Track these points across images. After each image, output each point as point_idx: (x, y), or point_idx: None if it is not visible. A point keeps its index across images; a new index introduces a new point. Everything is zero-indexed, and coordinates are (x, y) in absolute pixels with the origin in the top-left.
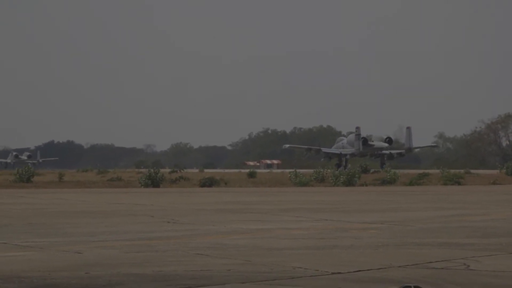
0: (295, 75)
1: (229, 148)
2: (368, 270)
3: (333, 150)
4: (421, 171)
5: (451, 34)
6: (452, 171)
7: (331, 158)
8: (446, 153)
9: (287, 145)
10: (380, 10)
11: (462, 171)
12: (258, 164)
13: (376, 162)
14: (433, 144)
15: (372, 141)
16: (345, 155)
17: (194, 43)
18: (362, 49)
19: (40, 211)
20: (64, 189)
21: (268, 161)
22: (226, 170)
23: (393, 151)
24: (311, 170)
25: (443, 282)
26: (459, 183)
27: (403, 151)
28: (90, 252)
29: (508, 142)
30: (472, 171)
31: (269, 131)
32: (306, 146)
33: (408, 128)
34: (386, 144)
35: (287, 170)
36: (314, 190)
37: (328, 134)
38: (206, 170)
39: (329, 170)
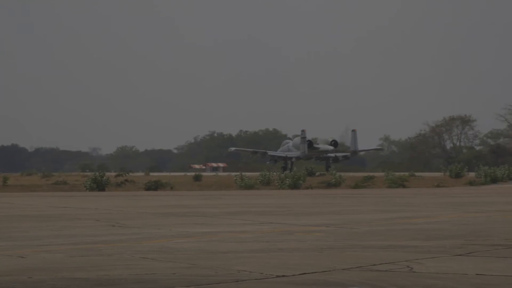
0: (240, 78)
1: (175, 151)
2: (312, 273)
3: (278, 153)
4: (366, 174)
5: (395, 36)
6: (397, 174)
7: (276, 161)
8: (391, 156)
9: (233, 148)
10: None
11: (406, 173)
12: (204, 167)
13: (322, 165)
14: (378, 147)
15: (318, 144)
16: (291, 158)
17: (140, 45)
18: (306, 52)
19: None
20: (8, 193)
21: (214, 165)
22: (172, 174)
23: (338, 154)
24: (257, 173)
25: (387, 285)
26: (403, 186)
27: (348, 154)
28: (34, 256)
29: (452, 145)
30: (416, 173)
31: (215, 134)
32: (251, 149)
33: (354, 131)
34: (332, 147)
35: (233, 173)
36: (259, 193)
37: (274, 137)
38: (152, 174)
39: (274, 173)
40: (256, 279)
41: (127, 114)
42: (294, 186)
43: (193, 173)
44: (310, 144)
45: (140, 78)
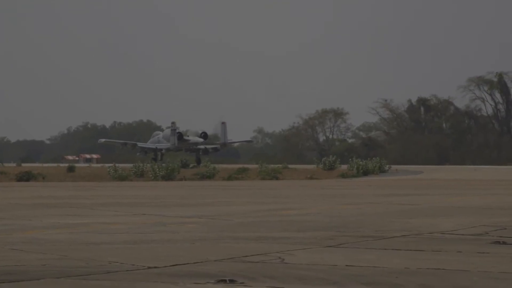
0: (116, 68)
1: (48, 142)
2: (184, 264)
3: (148, 144)
4: (240, 165)
5: (266, 26)
6: (271, 166)
7: (146, 153)
8: (265, 148)
9: (103, 140)
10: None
11: (280, 166)
12: (77, 158)
13: (193, 156)
14: (248, 140)
15: (188, 136)
16: (161, 149)
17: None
18: (178, 41)
19: None
20: None
21: (88, 156)
22: (45, 165)
23: (208, 146)
24: (131, 165)
25: (259, 276)
26: (277, 178)
27: (218, 146)
28: None
29: (325, 137)
30: (290, 166)
31: (89, 125)
32: (121, 141)
33: (223, 123)
34: (201, 139)
35: (107, 165)
36: (133, 184)
37: (148, 129)
38: (24, 165)
39: (148, 165)
40: (128, 270)
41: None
42: (168, 177)
43: (66, 164)
44: (180, 136)
45: (15, 67)
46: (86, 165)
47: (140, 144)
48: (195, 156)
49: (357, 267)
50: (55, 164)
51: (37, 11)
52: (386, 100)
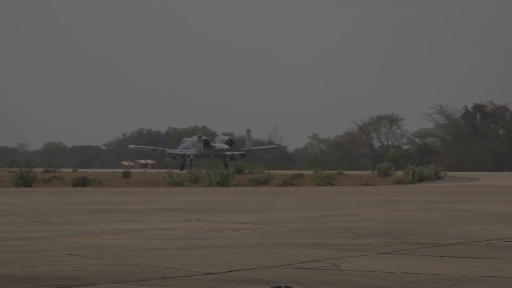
0: (169, 75)
1: (104, 148)
2: (240, 270)
3: (177, 151)
4: (295, 171)
5: (321, 36)
6: (325, 172)
7: (175, 159)
8: (320, 154)
9: (132, 146)
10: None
11: (335, 172)
12: (132, 164)
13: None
14: (274, 146)
15: (214, 143)
16: (189, 155)
17: (75, 38)
18: (234, 49)
19: None
20: None
21: (143, 161)
22: (100, 170)
23: (235, 152)
24: (186, 171)
25: (314, 282)
26: (331, 184)
27: (244, 152)
28: None
29: (380, 144)
30: (344, 172)
31: (144, 131)
32: (151, 147)
33: (249, 130)
34: (227, 146)
35: (162, 170)
36: (188, 190)
37: (203, 135)
38: (80, 170)
39: (203, 171)
40: (183, 276)
41: (55, 110)
42: (223, 183)
43: (121, 170)
44: (207, 142)
45: (68, 74)
46: (142, 170)
47: (168, 150)
48: (223, 162)
49: (413, 274)
50: (111, 170)
51: (93, 18)
52: (441, 106)
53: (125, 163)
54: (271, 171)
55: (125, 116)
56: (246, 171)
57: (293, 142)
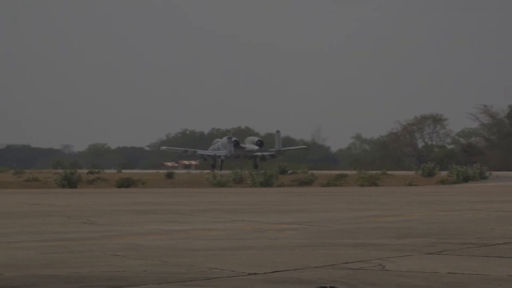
0: (212, 75)
1: (147, 149)
2: (284, 270)
3: (207, 152)
4: (338, 172)
5: (366, 36)
6: (369, 172)
7: (206, 159)
8: (363, 154)
9: (164, 147)
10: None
11: (378, 172)
12: (176, 165)
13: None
14: (303, 146)
15: (244, 144)
16: (219, 156)
17: (110, 42)
18: (278, 49)
19: None
20: None
21: (187, 162)
22: (144, 171)
23: (265, 153)
24: (229, 171)
25: (359, 283)
26: (375, 184)
27: (273, 152)
28: (4, 253)
29: (424, 144)
30: (388, 172)
31: (187, 132)
32: (182, 148)
33: (278, 131)
34: (257, 147)
35: (205, 171)
36: (231, 191)
37: (246, 135)
38: (124, 171)
39: (247, 171)
40: (228, 276)
41: (99, 111)
42: (266, 184)
43: (165, 171)
44: (237, 143)
45: (114, 75)
46: (185, 171)
47: (199, 152)
48: (253, 163)
49: (459, 274)
50: (155, 171)
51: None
52: (486, 106)
53: (169, 164)
54: (314, 172)
55: (168, 117)
56: (289, 172)
57: (337, 142)
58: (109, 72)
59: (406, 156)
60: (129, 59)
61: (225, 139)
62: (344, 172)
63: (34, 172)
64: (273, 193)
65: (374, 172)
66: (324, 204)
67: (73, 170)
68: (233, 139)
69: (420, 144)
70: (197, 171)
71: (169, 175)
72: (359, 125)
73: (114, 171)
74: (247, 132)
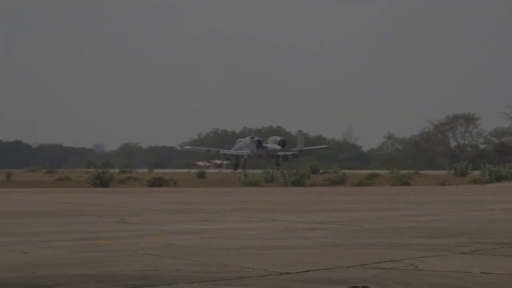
0: (243, 75)
1: (178, 148)
2: (316, 270)
3: (230, 151)
4: (370, 171)
5: (397, 33)
6: (401, 171)
7: (229, 159)
8: (395, 154)
9: (188, 147)
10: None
11: (410, 171)
12: (207, 164)
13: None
14: (325, 146)
15: (267, 143)
16: (242, 156)
17: (141, 42)
18: (306, 48)
19: None
20: (11, 189)
21: (218, 162)
22: (176, 170)
23: (287, 153)
24: (260, 170)
25: (391, 282)
26: (407, 184)
27: (296, 152)
28: (37, 252)
29: (456, 143)
30: (420, 171)
31: (219, 131)
32: (205, 148)
33: (300, 131)
34: (279, 147)
35: (238, 170)
36: (263, 190)
37: (278, 135)
38: (155, 170)
39: (278, 171)
40: (260, 276)
41: (131, 111)
42: (298, 183)
43: (196, 170)
44: (259, 143)
45: (143, 75)
46: (217, 171)
47: (222, 151)
48: (276, 162)
49: (492, 274)
50: (186, 170)
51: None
52: None
53: (200, 163)
54: (346, 171)
55: (200, 116)
56: (321, 171)
57: (368, 141)
58: (141, 73)
59: (438, 155)
60: (157, 62)
61: (248, 138)
62: (375, 171)
63: (66, 171)
64: (305, 193)
65: (406, 171)
66: (356, 203)
67: (105, 170)
68: (256, 138)
69: (453, 144)
70: (228, 171)
71: (201, 175)
72: (391, 124)
73: (145, 170)
74: (278, 131)
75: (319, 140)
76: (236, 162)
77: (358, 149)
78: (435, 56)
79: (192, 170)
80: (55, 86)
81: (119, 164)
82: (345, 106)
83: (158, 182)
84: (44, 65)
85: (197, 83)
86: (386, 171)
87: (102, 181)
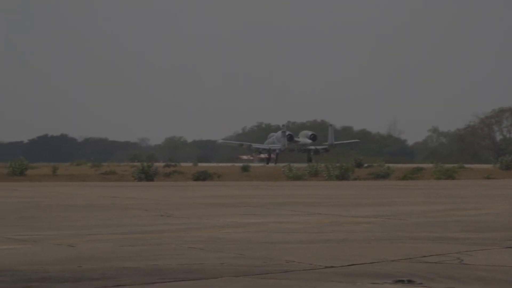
0: (289, 69)
1: (221, 141)
2: (361, 264)
3: (262, 145)
4: (415, 165)
5: (440, 25)
6: (446, 165)
7: (261, 153)
8: (440, 148)
9: (221, 140)
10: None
11: (456, 165)
12: (252, 158)
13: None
14: (356, 140)
15: (298, 138)
16: (274, 150)
17: (196, 31)
18: (351, 42)
19: (33, 204)
20: (57, 183)
21: (262, 156)
22: (220, 164)
23: (318, 147)
24: (305, 165)
25: (437, 276)
26: (452, 178)
27: (326, 146)
28: (83, 246)
29: (502, 137)
30: (466, 165)
31: (263, 125)
32: (238, 142)
33: (331, 125)
34: (310, 141)
35: (281, 164)
36: (307, 184)
37: (322, 128)
38: (200, 164)
39: (322, 165)
40: (305, 269)
41: (176, 105)
42: (342, 177)
43: (241, 164)
44: (291, 137)
45: (187, 70)
46: (261, 164)
47: (254, 145)
48: (307, 156)
49: None
50: (230, 164)
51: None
52: None
53: (244, 157)
54: (390, 165)
55: (244, 110)
56: (365, 165)
57: (413, 135)
58: (185, 69)
59: (484, 149)
60: (202, 55)
61: (279, 133)
62: (420, 165)
63: (111, 165)
64: (349, 186)
65: (451, 165)
66: (401, 197)
67: (150, 163)
68: (287, 133)
69: (498, 137)
70: (273, 164)
71: (245, 168)
72: (436, 118)
73: (190, 164)
74: (323, 125)
75: (364, 134)
76: (268, 156)
77: (402, 143)
78: (482, 48)
79: (236, 164)
80: (103, 80)
81: (163, 158)
82: (389, 98)
83: (202, 176)
84: (87, 62)
85: (249, 78)
86: (430, 165)
87: (147, 175)
